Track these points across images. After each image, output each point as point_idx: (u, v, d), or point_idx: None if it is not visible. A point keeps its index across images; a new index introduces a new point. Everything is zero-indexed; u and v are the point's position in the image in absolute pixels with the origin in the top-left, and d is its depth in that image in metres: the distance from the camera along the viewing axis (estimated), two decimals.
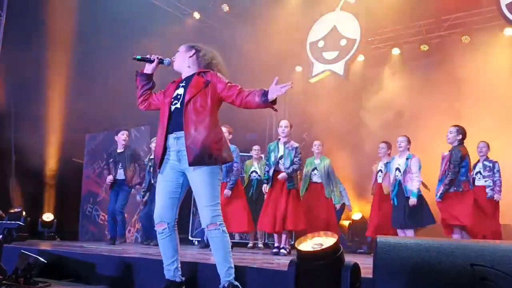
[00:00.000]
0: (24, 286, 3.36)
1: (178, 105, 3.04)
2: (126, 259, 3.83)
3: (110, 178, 6.97)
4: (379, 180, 6.74)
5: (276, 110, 2.95)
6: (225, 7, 9.54)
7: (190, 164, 2.92)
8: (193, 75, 3.14)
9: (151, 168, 7.04)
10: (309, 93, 9.87)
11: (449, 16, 8.86)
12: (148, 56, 3.21)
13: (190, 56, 3.18)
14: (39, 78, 7.80)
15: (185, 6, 9.43)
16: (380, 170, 6.76)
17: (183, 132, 2.97)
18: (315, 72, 9.07)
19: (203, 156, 2.91)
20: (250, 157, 7.94)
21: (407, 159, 6.11)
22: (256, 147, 7.79)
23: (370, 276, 2.10)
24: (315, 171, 6.75)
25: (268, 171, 5.86)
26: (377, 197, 6.69)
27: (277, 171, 5.76)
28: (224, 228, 2.94)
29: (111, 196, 7.10)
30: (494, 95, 7.86)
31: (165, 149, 3.04)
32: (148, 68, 3.21)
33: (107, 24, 7.46)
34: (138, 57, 3.20)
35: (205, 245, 6.74)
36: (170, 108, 3.05)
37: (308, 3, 9.04)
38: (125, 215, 7.20)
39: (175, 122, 3.01)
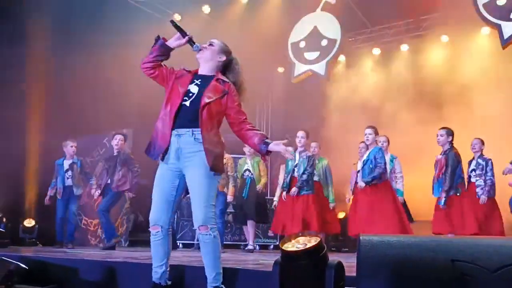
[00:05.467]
0: None
1: (187, 103, 2.93)
2: (109, 263, 3.79)
3: (97, 194, 6.84)
4: None
5: (265, 160, 3.07)
6: (206, 9, 9.51)
7: (211, 169, 2.85)
8: (211, 77, 3.04)
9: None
10: (291, 93, 9.91)
11: (428, 15, 8.97)
12: (184, 31, 3.00)
13: (219, 60, 3.11)
14: (19, 80, 7.67)
15: (165, 7, 9.36)
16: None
17: (187, 130, 2.89)
18: (297, 73, 9.09)
19: (218, 162, 2.89)
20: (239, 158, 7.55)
21: (391, 160, 6.18)
22: None
23: (354, 274, 2.12)
24: (314, 171, 6.76)
25: (285, 179, 6.36)
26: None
27: (293, 177, 6.29)
28: (216, 233, 2.86)
29: (102, 199, 6.93)
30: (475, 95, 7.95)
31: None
32: (173, 43, 3.03)
33: (86, 25, 7.36)
34: (176, 23, 3.00)
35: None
36: (180, 103, 2.93)
37: (289, 4, 9.06)
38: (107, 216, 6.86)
39: (182, 119, 2.91)
